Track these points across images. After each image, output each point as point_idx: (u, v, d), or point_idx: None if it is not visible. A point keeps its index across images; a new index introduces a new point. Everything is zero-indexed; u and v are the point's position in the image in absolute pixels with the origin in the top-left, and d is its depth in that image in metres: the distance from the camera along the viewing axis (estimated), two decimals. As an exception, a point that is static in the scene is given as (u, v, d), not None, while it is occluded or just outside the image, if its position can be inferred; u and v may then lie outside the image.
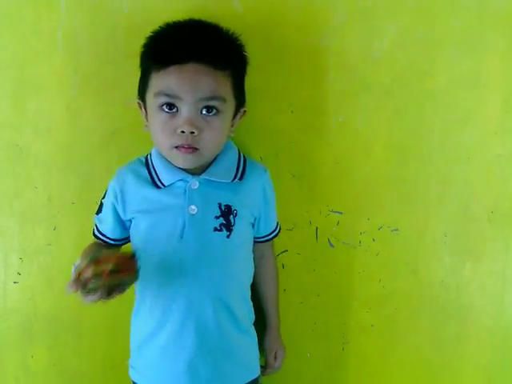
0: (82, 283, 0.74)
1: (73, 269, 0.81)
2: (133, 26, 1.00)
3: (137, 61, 0.94)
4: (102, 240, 0.96)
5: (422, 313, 1.10)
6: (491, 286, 1.09)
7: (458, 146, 1.05)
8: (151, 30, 0.89)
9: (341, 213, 1.07)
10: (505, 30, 1.01)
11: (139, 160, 0.95)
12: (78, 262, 0.81)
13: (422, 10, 1.01)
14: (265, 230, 1.00)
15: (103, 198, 0.95)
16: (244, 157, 0.96)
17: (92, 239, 0.97)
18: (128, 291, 0.97)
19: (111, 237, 0.96)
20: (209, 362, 0.89)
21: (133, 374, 0.96)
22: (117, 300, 1.04)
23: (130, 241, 0.96)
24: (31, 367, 1.11)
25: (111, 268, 0.74)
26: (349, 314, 1.10)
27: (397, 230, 1.08)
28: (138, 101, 0.92)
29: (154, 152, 0.94)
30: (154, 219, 0.90)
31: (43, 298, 1.09)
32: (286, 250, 1.08)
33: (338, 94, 1.04)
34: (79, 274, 0.75)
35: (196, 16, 0.90)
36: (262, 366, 1.02)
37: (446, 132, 1.05)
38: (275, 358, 1.04)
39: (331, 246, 1.08)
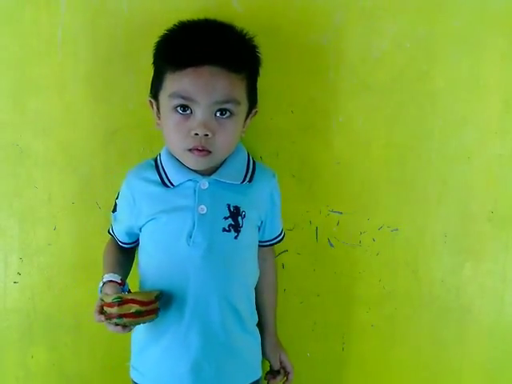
0: (106, 316, 0.81)
1: (98, 292, 0.87)
2: (133, 27, 1.00)
3: (137, 61, 0.94)
4: (116, 239, 0.98)
5: (421, 313, 1.10)
6: (491, 286, 1.09)
7: (457, 146, 1.05)
8: (151, 31, 0.89)
9: (341, 213, 1.07)
10: (505, 30, 1.01)
11: (148, 163, 0.94)
12: (102, 283, 0.87)
13: (421, 9, 1.01)
14: (269, 234, 0.99)
15: (117, 198, 0.96)
16: (253, 159, 0.96)
17: (93, 238, 0.97)
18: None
19: (122, 241, 0.97)
20: (213, 362, 0.89)
21: (135, 375, 0.95)
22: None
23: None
24: (31, 367, 1.11)
25: (134, 310, 0.80)
26: (349, 313, 1.10)
27: (397, 229, 1.08)
28: (149, 99, 0.91)
29: (163, 152, 0.93)
30: (163, 220, 0.89)
31: (43, 298, 1.09)
32: (286, 250, 1.08)
33: (338, 93, 1.04)
34: (103, 306, 0.82)
35: (196, 16, 0.90)
36: (267, 374, 1.02)
37: (446, 132, 1.05)
38: (280, 362, 1.02)
39: (331, 245, 1.08)
